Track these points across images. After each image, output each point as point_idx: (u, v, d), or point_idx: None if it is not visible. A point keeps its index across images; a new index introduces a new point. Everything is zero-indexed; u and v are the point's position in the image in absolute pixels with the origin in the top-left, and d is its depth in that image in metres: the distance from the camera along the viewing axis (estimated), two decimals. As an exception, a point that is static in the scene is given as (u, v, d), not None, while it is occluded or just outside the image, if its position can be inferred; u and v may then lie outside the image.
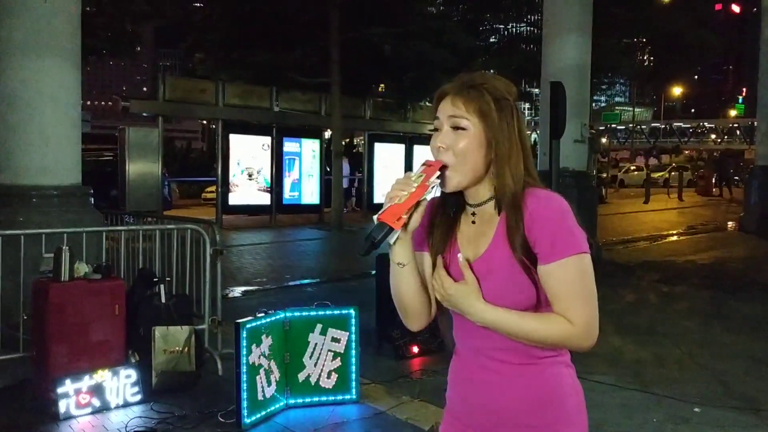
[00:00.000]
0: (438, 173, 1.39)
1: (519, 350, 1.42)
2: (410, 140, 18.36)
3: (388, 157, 17.80)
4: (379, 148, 17.66)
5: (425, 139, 19.49)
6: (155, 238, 5.54)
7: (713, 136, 66.43)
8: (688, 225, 15.76)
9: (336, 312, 4.28)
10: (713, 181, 25.67)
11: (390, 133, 18.35)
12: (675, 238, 13.67)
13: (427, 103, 19.88)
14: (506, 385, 1.44)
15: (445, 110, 1.44)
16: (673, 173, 31.08)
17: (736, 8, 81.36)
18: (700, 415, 4.05)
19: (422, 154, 18.47)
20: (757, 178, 13.95)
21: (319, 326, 4.23)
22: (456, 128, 1.41)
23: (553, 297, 1.39)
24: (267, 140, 15.60)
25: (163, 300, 4.64)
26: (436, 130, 1.46)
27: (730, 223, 15.39)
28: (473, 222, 1.47)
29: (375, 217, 1.36)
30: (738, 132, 61.10)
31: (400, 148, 18.08)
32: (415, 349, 5.30)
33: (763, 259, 10.54)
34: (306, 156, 16.33)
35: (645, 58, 29.79)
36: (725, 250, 11.48)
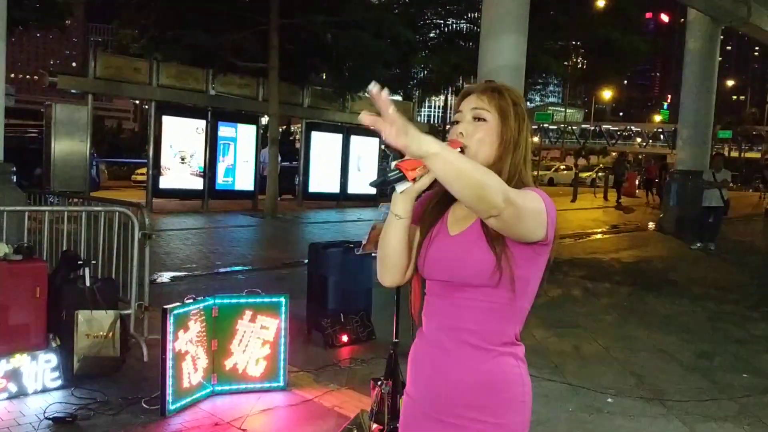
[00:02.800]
0: (459, 149, 1.53)
1: (479, 335, 1.54)
2: (348, 130, 18.35)
3: (324, 147, 17.75)
4: (316, 137, 17.59)
5: (363, 130, 19.61)
6: (81, 220, 5.39)
7: (639, 140, 69.13)
8: (611, 224, 16.40)
9: (266, 300, 4.28)
10: (636, 183, 26.51)
11: (328, 123, 18.29)
12: (599, 236, 14.19)
13: (366, 94, 19.92)
14: (461, 365, 1.55)
15: (470, 104, 1.62)
16: (599, 174, 32.20)
17: (665, 17, 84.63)
18: (613, 405, 4.27)
19: (360, 144, 18.52)
20: (676, 182, 14.66)
21: (248, 313, 4.23)
22: (477, 119, 1.59)
23: None
24: (201, 124, 15.30)
25: (87, 283, 4.52)
26: (456, 122, 1.63)
27: (650, 224, 16.10)
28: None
29: (393, 162, 1.47)
30: (662, 137, 63.85)
31: (337, 138, 18.05)
32: (345, 338, 5.36)
33: (677, 259, 11.10)
34: (241, 141, 16.10)
35: (579, 60, 30.62)
36: (645, 250, 12.03)
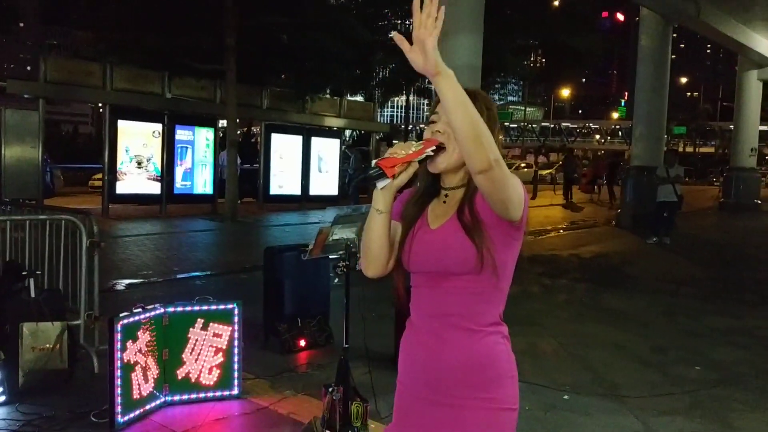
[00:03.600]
0: (434, 147, 1.63)
1: (468, 318, 1.68)
2: (308, 132, 18.23)
3: (285, 149, 17.59)
4: (276, 138, 17.42)
5: (323, 131, 19.50)
6: (27, 229, 5.22)
7: (597, 137, 70.34)
8: (570, 221, 16.61)
9: (218, 307, 4.20)
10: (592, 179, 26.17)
11: (288, 124, 18.15)
12: (559, 233, 14.35)
13: (326, 96, 19.82)
14: (453, 348, 1.68)
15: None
16: (559, 171, 32.59)
17: (620, 16, 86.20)
18: (569, 402, 4.30)
19: (320, 145, 18.43)
20: (633, 178, 14.92)
21: (200, 321, 4.14)
22: None
23: None
24: (158, 127, 15.02)
25: (33, 295, 4.38)
26: (432, 122, 1.73)
27: (607, 220, 16.35)
28: (444, 202, 1.75)
29: (374, 161, 1.57)
30: (620, 133, 65.06)
31: (297, 140, 17.90)
32: (302, 343, 5.30)
33: (633, 254, 11.28)
34: (199, 145, 15.86)
35: (537, 59, 30.95)
36: (602, 245, 12.20)
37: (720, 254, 11.64)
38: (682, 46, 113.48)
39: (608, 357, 5.34)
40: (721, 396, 4.49)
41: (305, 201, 17.83)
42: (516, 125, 67.80)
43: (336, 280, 2.94)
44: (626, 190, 15.26)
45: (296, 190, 17.89)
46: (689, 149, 62.16)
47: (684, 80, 79.99)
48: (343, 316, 6.11)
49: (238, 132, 18.89)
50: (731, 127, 23.87)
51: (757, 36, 19.17)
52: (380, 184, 1.59)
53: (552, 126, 73.04)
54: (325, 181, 18.59)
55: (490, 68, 17.74)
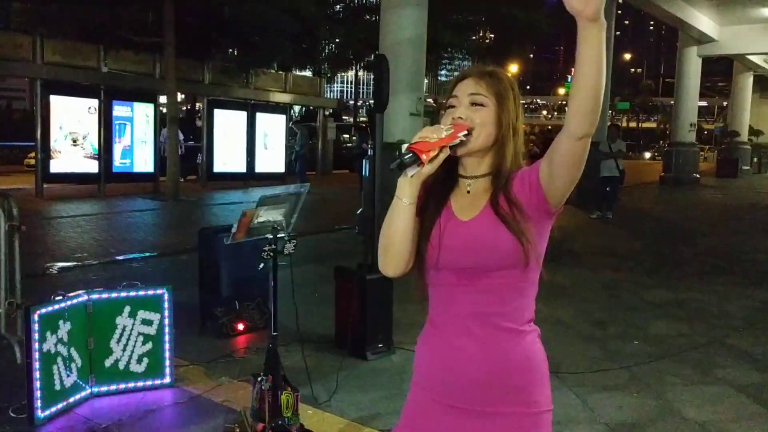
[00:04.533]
0: (466, 132, 1.51)
1: (510, 317, 1.55)
2: (253, 107, 17.82)
3: (229, 125, 17.16)
4: (220, 114, 16.97)
5: (269, 107, 19.10)
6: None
7: (545, 112, 71.37)
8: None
9: (146, 293, 4.01)
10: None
11: (231, 100, 17.70)
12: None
13: (271, 70, 19.40)
14: (498, 349, 1.55)
15: (466, 89, 1.59)
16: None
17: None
18: (509, 381, 4.27)
19: (266, 122, 18.05)
20: (577, 153, 15.06)
21: (127, 308, 3.94)
22: (475, 104, 1.57)
23: (555, 146, 1.48)
24: (94, 103, 14.40)
25: (-56, 283, 4.10)
26: (451, 107, 1.60)
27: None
28: (468, 192, 1.60)
29: (404, 145, 1.44)
30: (566, 109, 66.13)
31: (242, 115, 17.47)
32: (241, 327, 5.14)
33: (576, 229, 11.40)
34: (138, 121, 15.30)
35: (486, 35, 31.00)
36: (547, 220, 12.29)
37: (660, 228, 11.89)
38: (627, 22, 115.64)
39: (549, 333, 5.29)
40: (659, 370, 4.54)
41: (251, 179, 17.49)
42: (465, 101, 68.00)
43: (261, 265, 2.79)
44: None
45: (241, 168, 17.51)
46: (632, 124, 63.59)
47: (628, 56, 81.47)
48: (283, 297, 5.99)
49: (183, 108, 18.37)
50: (672, 102, 24.39)
51: (697, 13, 19.55)
52: (411, 172, 1.45)
53: (500, 101, 73.60)
54: (272, 158, 18.26)
55: (436, 43, 17.65)
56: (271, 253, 2.77)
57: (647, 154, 42.84)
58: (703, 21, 20.13)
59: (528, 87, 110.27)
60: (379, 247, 1.57)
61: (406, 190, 1.50)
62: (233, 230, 2.79)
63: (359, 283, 4.61)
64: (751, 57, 24.31)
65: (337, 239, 9.88)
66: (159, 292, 4.04)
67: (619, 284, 7.19)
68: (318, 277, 6.85)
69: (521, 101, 1.69)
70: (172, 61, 14.04)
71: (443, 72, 51.25)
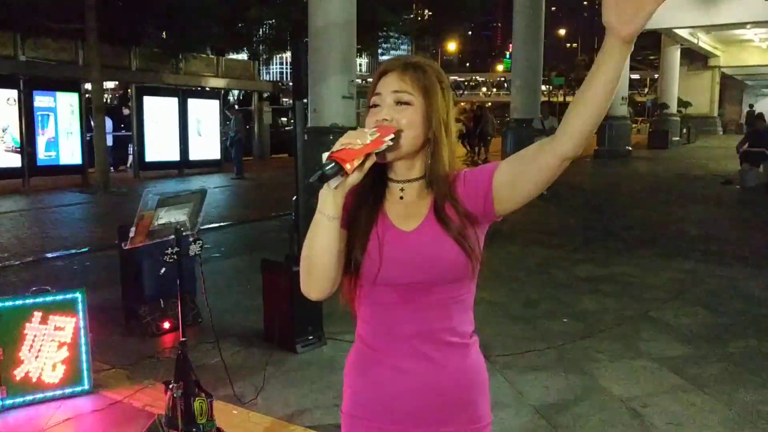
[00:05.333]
0: (392, 135, 1.37)
1: (457, 331, 1.46)
2: (184, 93, 17.31)
3: (160, 112, 16.64)
4: (149, 101, 16.43)
5: (201, 92, 18.59)
6: None
7: (484, 89, 71.99)
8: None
9: (58, 297, 3.82)
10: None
11: (161, 86, 17.17)
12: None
13: (202, 54, 18.88)
14: (449, 369, 1.45)
15: (389, 85, 1.44)
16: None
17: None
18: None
19: (198, 108, 17.58)
20: (512, 130, 15.25)
21: (37, 315, 3.74)
22: (400, 103, 1.43)
23: (527, 153, 1.39)
24: (13, 93, 13.69)
25: None
26: (374, 106, 1.45)
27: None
28: (401, 198, 1.47)
29: (325, 154, 1.29)
30: (505, 85, 66.83)
31: (173, 102, 16.95)
32: (167, 325, 4.98)
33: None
34: (63, 111, 14.64)
35: (424, 13, 30.86)
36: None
37: (592, 202, 12.13)
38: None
39: (480, 315, 5.25)
40: (585, 347, 4.62)
41: (185, 167, 17.05)
42: (405, 80, 67.94)
43: (163, 270, 2.67)
44: (507, 142, 15.61)
45: (175, 156, 17.03)
46: (569, 99, 64.79)
47: (563, 32, 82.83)
48: (211, 292, 5.82)
49: (116, 95, 17.73)
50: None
51: (625, -12, 19.89)
52: (333, 182, 1.29)
53: (440, 79, 73.90)
54: (206, 145, 17.81)
55: (369, 24, 17.47)
56: (175, 256, 2.64)
57: None
58: (631, -4, 20.48)
59: (467, 64, 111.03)
60: (300, 267, 1.40)
61: (330, 203, 1.33)
62: (131, 234, 2.65)
63: (286, 275, 4.51)
64: (677, 30, 24.96)
65: (273, 227, 9.72)
66: (72, 295, 3.86)
67: (550, 261, 7.29)
68: (251, 267, 6.69)
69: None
70: (96, 48, 13.49)
71: (380, 51, 51.02)
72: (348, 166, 1.27)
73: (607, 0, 1.17)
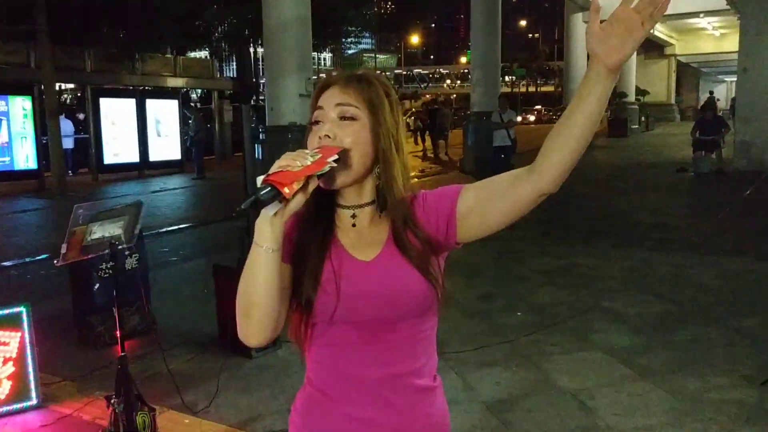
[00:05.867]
0: (336, 156, 1.21)
1: (423, 372, 1.33)
2: (142, 94, 17.06)
3: (117, 114, 16.37)
4: (106, 103, 16.15)
5: (159, 93, 18.34)
6: None
7: (448, 81, 72.29)
8: (420, 169, 16.91)
9: (1, 313, 3.75)
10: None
11: (118, 87, 16.89)
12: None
13: (158, 54, 18.60)
14: (417, 414, 1.32)
15: (332, 99, 1.29)
16: (412, 118, 33.14)
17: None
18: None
19: (157, 108, 17.34)
20: (472, 123, 15.36)
21: (-21, 331, 3.68)
22: (344, 118, 1.28)
23: (499, 182, 1.29)
24: (-38, 99, 13.42)
25: None
26: (316, 122, 1.30)
27: (455, 166, 16.82)
28: (354, 225, 1.32)
29: (260, 178, 1.13)
30: (469, 77, 67.39)
31: (130, 103, 16.71)
32: (119, 334, 4.91)
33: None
34: (15, 115, 14.35)
35: (388, 6, 30.83)
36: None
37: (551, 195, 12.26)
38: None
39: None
40: (538, 341, 4.68)
41: (145, 168, 16.82)
42: (370, 74, 67.95)
43: (97, 285, 2.63)
44: (468, 135, 15.72)
45: (134, 158, 16.81)
46: (531, 89, 65.43)
47: (524, 23, 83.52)
48: (165, 298, 5.77)
49: (76, 97, 17.36)
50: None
51: (581, -20, 20.21)
52: (271, 209, 1.14)
53: (405, 73, 74.03)
54: (166, 146, 17.62)
55: (329, 19, 17.40)
56: (110, 271, 2.61)
57: (531, 117, 44.31)
58: (587, -13, 20.83)
59: (431, 57, 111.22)
60: (237, 309, 1.21)
61: (268, 232, 1.15)
62: (62, 250, 2.61)
63: (239, 280, 4.48)
64: (633, 20, 25.31)
65: (234, 228, 9.62)
66: (16, 310, 3.79)
67: (506, 254, 7.35)
68: (209, 271, 6.65)
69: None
70: (48, 49, 13.21)
71: (344, 46, 50.82)
72: (286, 190, 1.12)
73: (593, 27, 1.11)
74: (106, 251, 2.57)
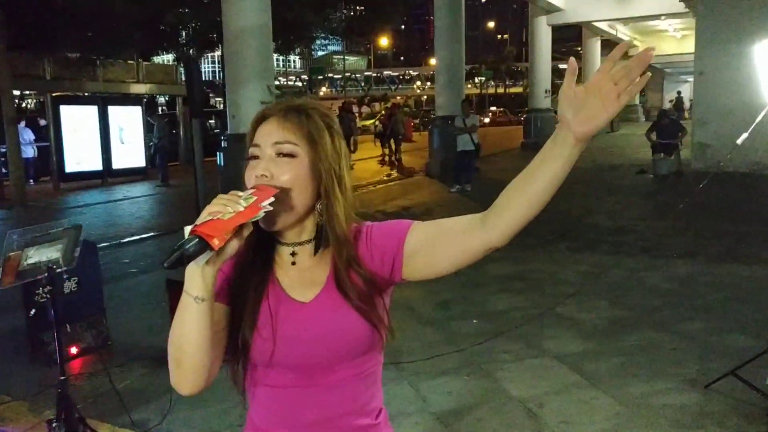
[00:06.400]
0: (272, 199, 1.14)
1: (364, 412, 1.29)
2: (104, 101, 16.87)
3: (79, 121, 16.14)
4: (67, 110, 15.92)
5: (121, 99, 18.11)
6: None
7: (418, 83, 72.53)
8: (387, 173, 16.95)
9: (-55, 334, 3.70)
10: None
11: (79, 94, 16.67)
12: (372, 187, 14.58)
13: (120, 60, 18.40)
14: None
15: (269, 135, 1.22)
16: (376, 122, 33.29)
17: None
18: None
19: (120, 115, 17.14)
20: (438, 127, 15.47)
21: (-76, 354, 3.62)
22: (281, 155, 1.21)
23: (450, 227, 1.26)
24: None
25: None
26: (253, 158, 1.23)
27: (421, 170, 16.90)
28: (293, 263, 1.27)
29: (188, 228, 1.08)
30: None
31: (92, 110, 16.49)
32: (74, 350, 4.88)
33: (436, 204, 11.73)
34: (-28, 124, 14.09)
35: (356, 9, 30.76)
36: (409, 198, 12.57)
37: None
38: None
39: (396, 321, 5.45)
40: (491, 349, 4.74)
41: (109, 176, 16.62)
42: (340, 76, 68.01)
43: (33, 311, 2.63)
44: (433, 139, 15.82)
45: (97, 166, 16.58)
46: (500, 90, 65.99)
47: (492, 24, 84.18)
48: (122, 312, 5.72)
49: (37, 102, 17.06)
50: (532, 68, 25.35)
51: (544, -16, 20.47)
52: (201, 259, 1.09)
53: (375, 75, 74.13)
54: (130, 153, 17.41)
55: (293, 24, 17.36)
56: (47, 295, 2.61)
57: (486, 120, 44.65)
58: (550, -9, 21.10)
59: (401, 58, 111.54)
60: (168, 357, 1.17)
61: (197, 282, 1.10)
62: (-2, 276, 2.60)
63: (192, 294, 4.47)
64: (596, 23, 25.77)
65: (196, 237, 9.58)
66: (-39, 331, 3.74)
67: (468, 260, 7.43)
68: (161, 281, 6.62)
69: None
70: (4, 56, 12.96)
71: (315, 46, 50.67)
72: (216, 241, 1.06)
73: (566, 92, 1.06)
74: (44, 275, 2.56)
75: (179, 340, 1.15)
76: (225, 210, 1.09)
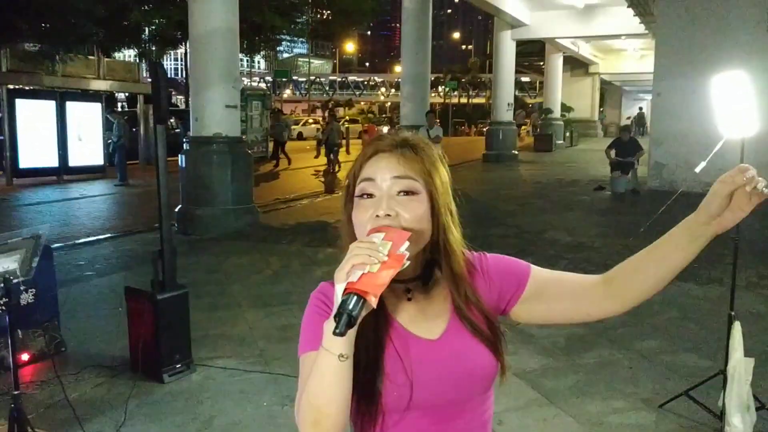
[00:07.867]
0: (407, 243, 1.09)
1: None
2: (62, 96, 16.46)
3: (35, 116, 15.73)
4: (23, 105, 15.51)
5: (80, 95, 17.71)
6: None
7: (383, 89, 72.78)
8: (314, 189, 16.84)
9: None
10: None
11: (37, 88, 16.25)
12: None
13: (80, 55, 18.00)
14: None
15: (387, 170, 1.17)
16: (346, 126, 33.26)
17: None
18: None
19: (78, 110, 16.75)
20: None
21: None
22: (401, 193, 1.16)
23: (569, 284, 1.28)
24: None
25: None
26: (366, 196, 1.17)
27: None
28: (409, 299, 1.22)
29: (340, 286, 1.02)
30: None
31: (50, 105, 16.09)
32: (25, 357, 4.74)
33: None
34: None
35: (323, 13, 30.76)
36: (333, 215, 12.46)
37: (474, 210, 12.41)
38: (457, 1, 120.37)
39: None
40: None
41: (65, 173, 16.23)
42: (304, 79, 67.80)
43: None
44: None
45: (53, 162, 16.18)
46: (463, 100, 66.66)
47: (457, 35, 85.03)
48: (77, 319, 5.59)
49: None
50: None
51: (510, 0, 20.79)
52: (361, 316, 1.03)
53: (340, 79, 74.12)
54: (88, 151, 17.03)
55: (259, 27, 17.28)
56: (2, 308, 2.52)
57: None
58: (516, 7, 21.42)
59: (366, 64, 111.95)
60: (301, 418, 1.09)
61: (343, 339, 1.03)
62: (-48, 288, 2.51)
63: (151, 303, 4.41)
64: (559, 40, 26.28)
65: (156, 239, 9.42)
66: None
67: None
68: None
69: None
70: (-42, 48, 12.58)
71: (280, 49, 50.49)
72: (372, 299, 1.02)
73: (722, 189, 1.10)
74: (0, 287, 2.48)
75: (319, 402, 1.08)
76: (369, 261, 1.04)
